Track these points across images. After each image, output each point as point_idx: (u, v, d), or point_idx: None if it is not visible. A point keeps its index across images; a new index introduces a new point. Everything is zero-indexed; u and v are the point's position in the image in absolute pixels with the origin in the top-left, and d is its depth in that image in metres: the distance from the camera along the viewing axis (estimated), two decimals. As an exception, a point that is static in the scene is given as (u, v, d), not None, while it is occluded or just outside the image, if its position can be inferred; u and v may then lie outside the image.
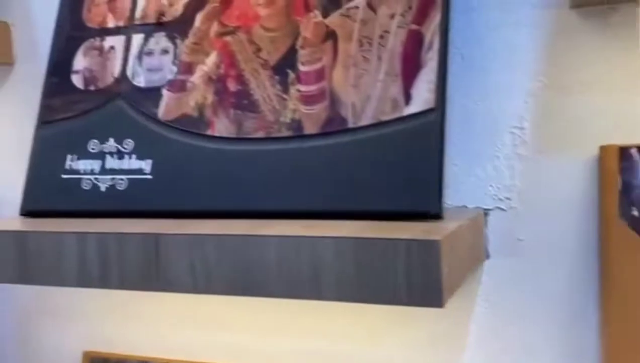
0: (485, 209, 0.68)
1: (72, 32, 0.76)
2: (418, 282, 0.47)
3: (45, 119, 0.73)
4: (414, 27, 0.61)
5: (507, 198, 0.67)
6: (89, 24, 0.75)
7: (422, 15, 0.61)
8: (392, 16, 0.62)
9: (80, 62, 0.74)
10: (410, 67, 0.60)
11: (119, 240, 0.56)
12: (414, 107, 0.59)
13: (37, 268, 0.59)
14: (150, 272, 0.55)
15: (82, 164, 0.70)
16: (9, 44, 0.89)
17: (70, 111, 0.72)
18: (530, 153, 0.66)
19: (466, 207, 0.68)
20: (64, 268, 0.58)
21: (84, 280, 0.58)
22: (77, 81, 0.73)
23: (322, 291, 0.50)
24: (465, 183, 0.68)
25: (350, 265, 0.49)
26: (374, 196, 0.58)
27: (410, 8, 0.62)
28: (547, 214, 0.66)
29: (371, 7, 0.63)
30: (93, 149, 0.70)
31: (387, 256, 0.48)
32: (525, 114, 0.66)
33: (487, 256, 0.68)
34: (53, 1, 0.80)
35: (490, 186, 0.67)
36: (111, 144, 0.69)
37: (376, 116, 0.60)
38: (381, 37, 0.62)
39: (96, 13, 0.76)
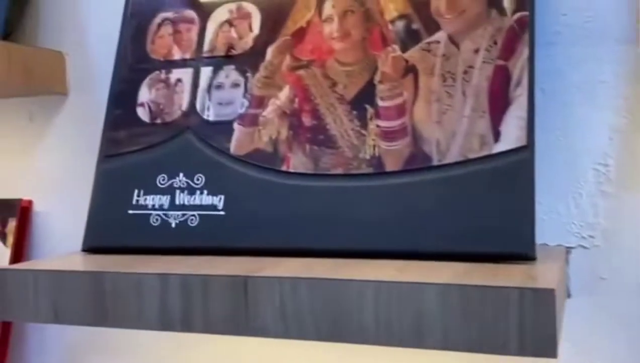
0: (568, 247, 0.66)
1: (135, 63, 0.75)
2: (531, 332, 0.45)
3: (108, 153, 0.73)
4: (500, 62, 0.60)
5: (590, 236, 0.65)
6: (154, 56, 0.75)
7: (508, 51, 0.60)
8: (476, 51, 0.61)
9: (145, 94, 0.74)
10: (498, 104, 0.59)
11: (204, 282, 0.54)
12: (503, 145, 0.58)
13: (115, 310, 0.58)
14: (238, 316, 0.53)
15: (151, 199, 0.69)
16: (63, 74, 0.88)
17: (136, 144, 0.72)
18: (614, 190, 0.65)
19: (547, 245, 0.67)
20: (144, 310, 0.56)
21: (165, 324, 0.56)
22: (142, 113, 0.73)
23: (425, 339, 0.48)
24: (546, 220, 0.66)
25: (457, 313, 0.47)
26: (463, 237, 0.57)
27: (495, 43, 0.61)
28: (631, 253, 0.64)
29: (453, 41, 0.62)
30: (162, 183, 0.69)
31: (497, 305, 0.46)
32: (610, 150, 0.65)
33: (569, 295, 0.66)
34: (108, 30, 0.80)
35: (573, 223, 0.66)
36: (181, 179, 0.68)
37: (463, 153, 0.59)
38: (465, 72, 0.61)
39: (161, 45, 0.75)
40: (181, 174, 0.69)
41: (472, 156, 0.59)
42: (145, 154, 0.71)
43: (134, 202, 0.70)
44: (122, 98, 0.75)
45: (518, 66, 0.59)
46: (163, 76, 0.74)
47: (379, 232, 0.60)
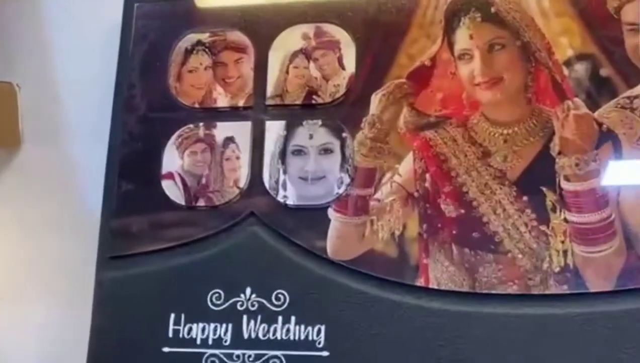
0: None
1: (151, 111, 0.51)
2: None
3: (116, 253, 0.48)
4: None
5: None
6: (183, 100, 0.51)
7: None
8: None
9: (173, 160, 0.50)
10: None
11: None
12: None
13: None
14: None
15: (199, 330, 0.45)
16: (13, 113, 0.61)
17: (165, 239, 0.48)
18: None
19: None
20: None
21: None
22: (171, 190, 0.49)
23: None
24: None
25: None
26: None
27: None
28: None
29: (668, 97, 0.45)
30: (217, 304, 0.46)
31: None
32: None
33: None
34: (84, 56, 0.56)
35: None
36: (250, 297, 0.45)
37: None
38: (691, 143, 0.44)
39: (193, 83, 0.51)
40: (248, 290, 0.46)
41: None
42: (183, 256, 0.47)
43: (170, 334, 0.46)
44: (133, 165, 0.50)
45: None
46: (201, 132, 0.50)
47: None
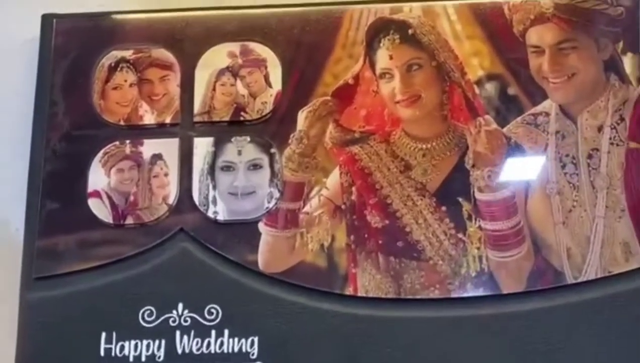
0: None
1: (75, 128, 0.52)
2: None
3: (41, 273, 0.49)
4: (634, 145, 0.51)
5: None
6: (108, 117, 0.53)
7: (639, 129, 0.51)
8: (599, 129, 0.51)
9: (99, 178, 0.51)
10: (639, 199, 0.50)
11: None
12: (656, 255, 0.49)
13: None
14: None
15: (132, 347, 0.47)
16: None
17: (93, 258, 0.49)
18: None
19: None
20: None
21: None
22: (98, 208, 0.50)
23: None
24: None
25: None
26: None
27: (622, 119, 0.51)
28: None
29: (567, 114, 0.52)
30: (149, 322, 0.48)
31: None
32: None
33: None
34: None
35: None
36: (182, 312, 0.48)
37: (604, 267, 0.49)
38: (589, 156, 0.51)
39: (118, 100, 0.53)
40: (181, 306, 0.48)
41: (616, 270, 0.49)
42: (113, 274, 0.49)
43: (101, 352, 0.47)
44: (56, 183, 0.51)
45: (656, 151, 0.51)
46: (128, 149, 0.52)
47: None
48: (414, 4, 0.54)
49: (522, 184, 0.50)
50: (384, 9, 0.54)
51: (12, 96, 0.55)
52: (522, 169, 0.51)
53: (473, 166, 0.51)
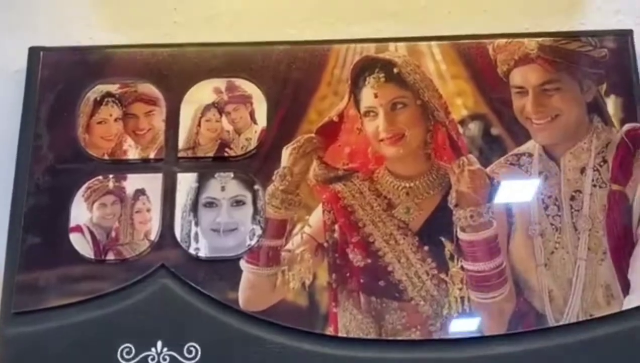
0: None
1: (59, 162, 0.53)
2: None
3: (21, 308, 0.49)
4: (615, 187, 0.51)
5: None
6: (92, 152, 0.53)
7: (623, 173, 0.51)
8: (582, 171, 0.52)
9: (82, 213, 0.51)
10: (621, 242, 0.50)
11: None
12: (637, 298, 0.49)
13: None
14: None
15: (109, 388, 0.47)
16: None
17: (73, 293, 0.49)
18: None
19: None
20: None
21: None
22: (80, 244, 0.50)
23: None
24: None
25: None
26: None
27: (605, 161, 0.52)
28: None
29: (550, 155, 0.52)
30: (127, 359, 0.47)
31: None
32: None
33: None
34: None
35: None
36: (161, 350, 0.48)
37: (586, 310, 0.49)
38: (572, 198, 0.51)
39: (103, 135, 0.54)
40: (159, 344, 0.48)
41: (597, 313, 0.49)
42: (93, 310, 0.49)
43: (78, 392, 0.47)
44: (38, 217, 0.51)
45: (638, 193, 0.51)
46: (111, 184, 0.52)
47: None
48: (399, 44, 0.55)
49: (504, 225, 0.51)
50: (370, 48, 0.55)
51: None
52: (505, 210, 0.51)
53: (456, 205, 0.51)
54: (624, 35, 0.55)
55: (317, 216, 0.52)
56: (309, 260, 0.50)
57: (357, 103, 0.54)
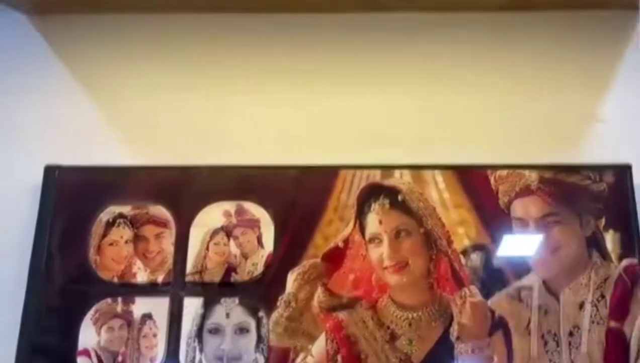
0: None
1: (69, 284, 0.54)
2: None
3: None
4: (613, 324, 0.52)
5: None
6: (102, 274, 0.54)
7: (620, 309, 0.53)
8: (581, 306, 0.53)
9: (90, 336, 0.53)
10: (619, 381, 0.51)
11: None
12: None
13: None
14: None
15: None
16: None
17: (78, 419, 0.50)
18: None
19: None
20: None
21: None
22: (87, 368, 0.52)
23: None
24: None
25: None
26: None
27: (602, 297, 0.53)
28: None
29: (550, 290, 0.53)
30: None
31: None
32: None
33: None
34: None
35: None
36: None
37: None
38: (571, 333, 0.52)
39: (114, 257, 0.55)
40: None
41: None
42: None
43: None
44: (48, 339, 0.52)
45: (636, 331, 0.52)
46: (119, 307, 0.54)
47: None
48: (404, 171, 0.57)
49: (504, 360, 0.52)
50: (376, 174, 0.57)
51: (10, 247, 0.56)
52: (505, 345, 0.52)
53: (458, 338, 0.52)
54: (623, 169, 0.57)
55: (320, 346, 0.53)
56: (313, 390, 0.52)
57: (362, 229, 0.55)
